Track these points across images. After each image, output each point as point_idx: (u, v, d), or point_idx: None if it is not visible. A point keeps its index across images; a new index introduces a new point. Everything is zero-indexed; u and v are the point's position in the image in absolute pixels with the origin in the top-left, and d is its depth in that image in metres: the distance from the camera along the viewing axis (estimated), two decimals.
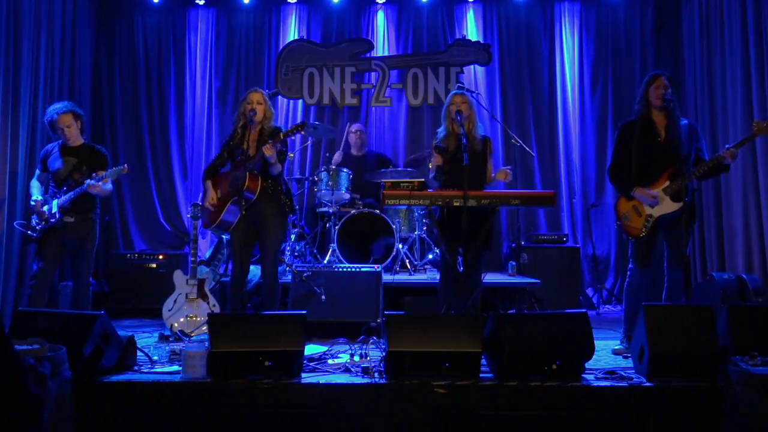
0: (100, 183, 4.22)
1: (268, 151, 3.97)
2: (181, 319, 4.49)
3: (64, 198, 4.25)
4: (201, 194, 4.50)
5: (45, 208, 4.27)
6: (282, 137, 4.11)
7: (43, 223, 4.25)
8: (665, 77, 3.88)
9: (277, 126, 4.31)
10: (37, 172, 4.51)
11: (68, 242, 4.33)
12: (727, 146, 3.76)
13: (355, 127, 6.42)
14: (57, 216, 4.23)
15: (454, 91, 4.36)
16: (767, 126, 3.68)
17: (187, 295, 4.54)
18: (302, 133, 4.30)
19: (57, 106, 4.43)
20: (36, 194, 4.36)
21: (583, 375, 3.17)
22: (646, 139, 3.86)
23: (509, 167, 4.22)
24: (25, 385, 1.44)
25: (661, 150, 3.83)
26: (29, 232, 4.32)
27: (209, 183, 4.27)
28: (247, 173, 4.04)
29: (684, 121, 3.91)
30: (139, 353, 3.47)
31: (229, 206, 4.13)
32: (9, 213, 5.22)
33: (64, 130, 4.35)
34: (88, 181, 4.23)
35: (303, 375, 3.16)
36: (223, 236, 5.52)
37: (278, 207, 4.20)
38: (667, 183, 3.80)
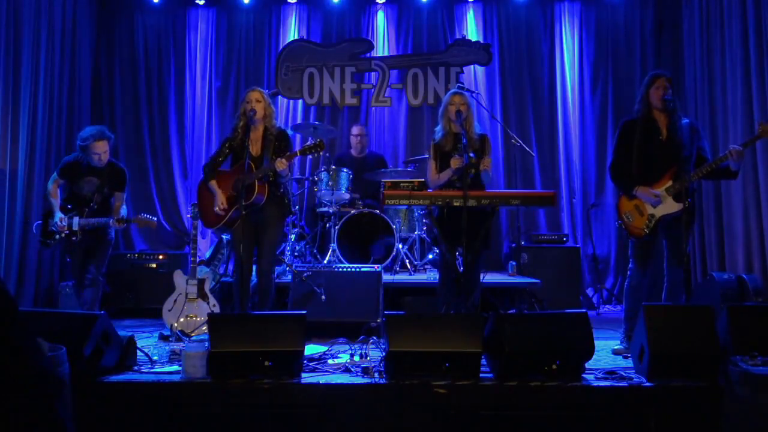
0: (118, 224, 4.49)
1: (282, 166, 4.02)
2: (181, 319, 4.48)
3: (87, 221, 4.41)
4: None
5: (63, 221, 4.40)
6: (298, 154, 4.21)
7: (62, 235, 4.41)
8: (666, 78, 3.86)
9: (282, 128, 4.34)
10: (54, 175, 4.55)
11: (87, 246, 4.52)
12: (727, 149, 3.73)
13: (356, 129, 6.38)
14: (78, 236, 4.41)
15: (452, 91, 4.35)
16: None
17: (187, 295, 4.54)
18: (318, 154, 4.38)
19: (93, 132, 4.44)
20: (57, 212, 4.44)
21: (583, 375, 3.17)
22: (648, 138, 3.84)
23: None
24: (40, 360, 1.39)
25: (663, 149, 3.81)
26: (48, 241, 4.48)
27: (214, 183, 4.26)
28: (257, 180, 4.06)
29: (685, 120, 3.89)
30: (139, 353, 3.47)
31: (235, 208, 4.14)
32: (9, 213, 5.22)
33: (101, 156, 4.44)
34: (113, 220, 4.47)
35: (303, 375, 3.16)
36: (224, 236, 5.52)
37: (280, 209, 4.28)
38: (670, 183, 3.77)
